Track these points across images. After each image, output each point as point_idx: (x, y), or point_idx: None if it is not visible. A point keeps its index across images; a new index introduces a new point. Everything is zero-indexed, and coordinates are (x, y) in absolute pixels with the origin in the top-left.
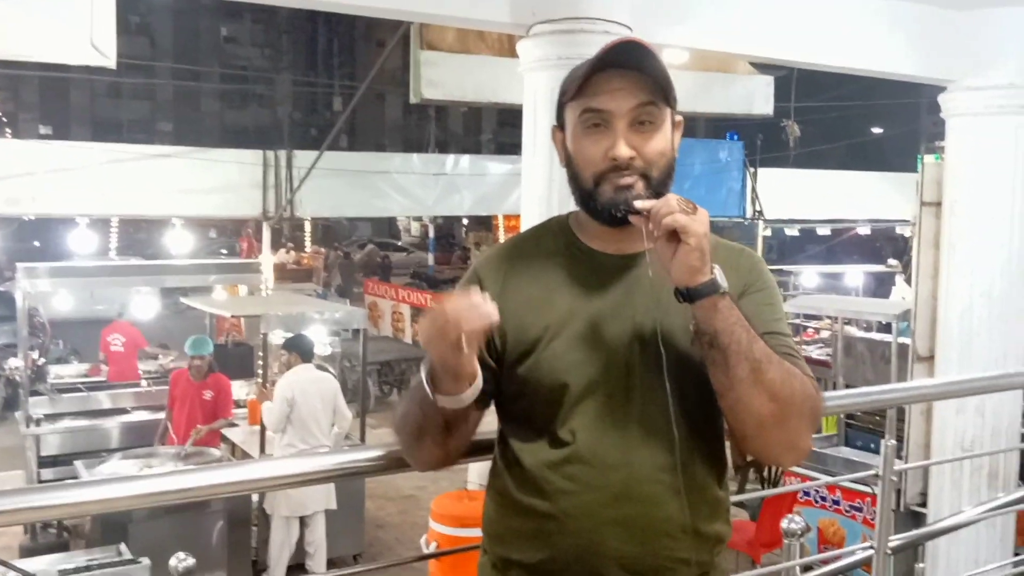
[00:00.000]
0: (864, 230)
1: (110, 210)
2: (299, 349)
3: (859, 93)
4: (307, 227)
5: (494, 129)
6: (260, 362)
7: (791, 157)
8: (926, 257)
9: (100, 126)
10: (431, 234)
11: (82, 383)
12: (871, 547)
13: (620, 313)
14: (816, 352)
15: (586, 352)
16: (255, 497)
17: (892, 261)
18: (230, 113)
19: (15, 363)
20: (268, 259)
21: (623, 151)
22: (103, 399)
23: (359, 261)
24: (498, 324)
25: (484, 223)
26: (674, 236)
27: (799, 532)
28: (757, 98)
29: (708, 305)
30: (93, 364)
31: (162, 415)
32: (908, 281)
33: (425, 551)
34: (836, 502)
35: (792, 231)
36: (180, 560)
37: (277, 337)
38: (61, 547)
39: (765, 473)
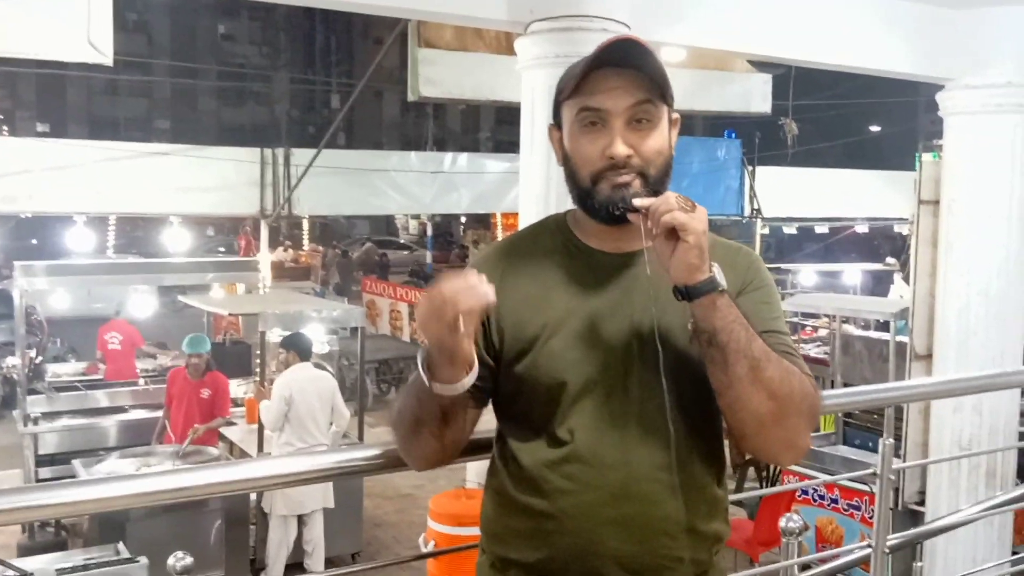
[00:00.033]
0: (862, 228)
1: (107, 208)
2: (297, 347)
3: (857, 91)
4: (305, 225)
5: (492, 127)
6: (258, 360)
7: (789, 155)
8: (924, 255)
9: (97, 124)
10: (429, 232)
11: (80, 381)
12: (869, 546)
13: (618, 311)
14: (814, 350)
15: (584, 350)
16: (253, 496)
17: (890, 259)
18: (227, 111)
19: (12, 361)
20: (266, 257)
21: (620, 149)
22: (101, 397)
23: (357, 259)
24: (495, 309)
25: (482, 221)
26: (673, 234)
27: (797, 531)
28: (755, 96)
29: (707, 303)
30: (91, 362)
31: (160, 414)
32: (906, 279)
33: (423, 550)
34: (834, 501)
35: (790, 229)
36: (178, 559)
37: (275, 335)
38: (59, 546)
39: (764, 472)
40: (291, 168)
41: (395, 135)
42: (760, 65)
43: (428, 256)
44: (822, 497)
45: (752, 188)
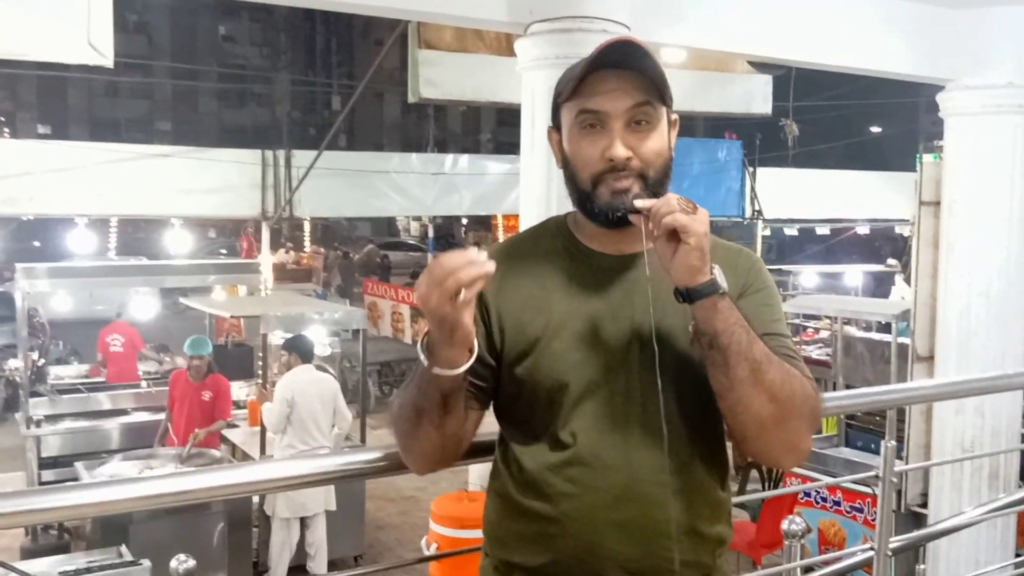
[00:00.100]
0: (863, 230)
1: (109, 210)
2: (299, 350)
3: (858, 92)
4: (306, 227)
5: (493, 128)
6: (260, 363)
7: (790, 156)
8: (925, 257)
9: (98, 126)
10: (430, 234)
11: (82, 384)
12: (872, 548)
13: (619, 314)
14: (816, 352)
15: (585, 352)
16: (256, 498)
17: (891, 261)
18: (228, 112)
19: (15, 364)
20: (267, 259)
21: (620, 151)
22: (103, 400)
23: (358, 261)
24: (496, 310)
25: (483, 222)
26: (674, 236)
27: (800, 533)
28: (756, 97)
29: (708, 305)
30: (93, 365)
31: (162, 416)
32: (908, 281)
33: (426, 552)
34: (837, 503)
35: (791, 231)
36: (181, 562)
37: (277, 338)
38: (62, 549)
39: (766, 473)
40: (292, 170)
41: (396, 137)
42: (761, 66)
43: (429, 258)
44: (824, 499)
45: (753, 189)
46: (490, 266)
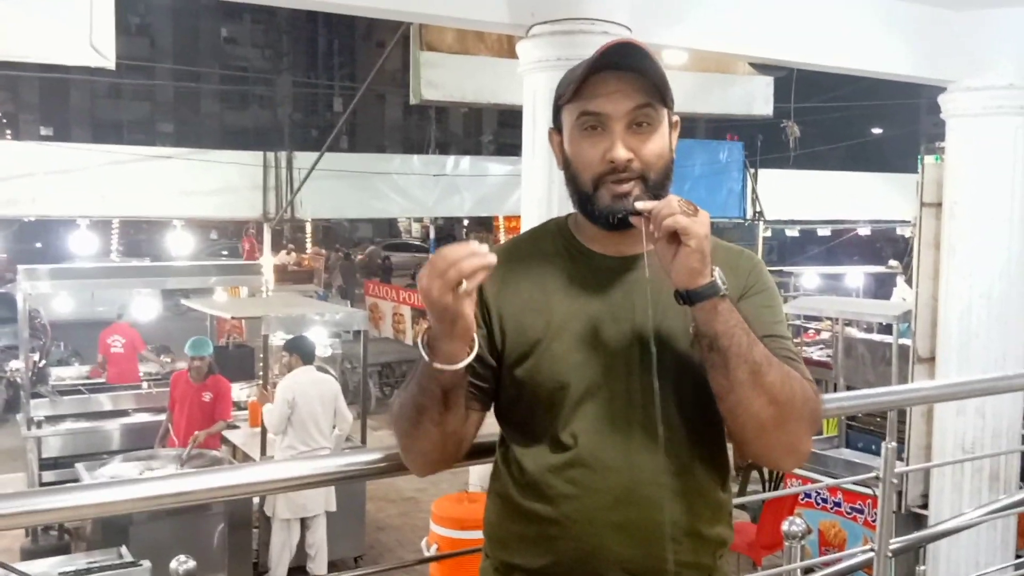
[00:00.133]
0: (864, 231)
1: (110, 212)
2: (300, 351)
3: (859, 94)
4: (308, 228)
5: (494, 130)
6: (261, 364)
7: (791, 158)
8: (926, 258)
9: (100, 127)
10: (432, 235)
11: (83, 385)
12: (872, 549)
13: (620, 315)
14: (817, 353)
15: (586, 354)
16: (256, 499)
17: (893, 262)
18: (230, 114)
19: (16, 365)
20: (269, 260)
21: (621, 153)
22: (104, 401)
23: (360, 262)
24: (497, 311)
25: (485, 224)
26: (675, 238)
27: (800, 534)
28: (757, 99)
29: (708, 307)
30: (94, 366)
31: (163, 417)
32: (909, 282)
33: (426, 553)
34: (837, 504)
35: (792, 232)
36: (181, 563)
37: (278, 339)
38: (62, 550)
39: (766, 475)
40: (294, 171)
41: (397, 138)
42: (762, 68)
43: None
44: (825, 500)
45: (754, 191)
46: (491, 257)
